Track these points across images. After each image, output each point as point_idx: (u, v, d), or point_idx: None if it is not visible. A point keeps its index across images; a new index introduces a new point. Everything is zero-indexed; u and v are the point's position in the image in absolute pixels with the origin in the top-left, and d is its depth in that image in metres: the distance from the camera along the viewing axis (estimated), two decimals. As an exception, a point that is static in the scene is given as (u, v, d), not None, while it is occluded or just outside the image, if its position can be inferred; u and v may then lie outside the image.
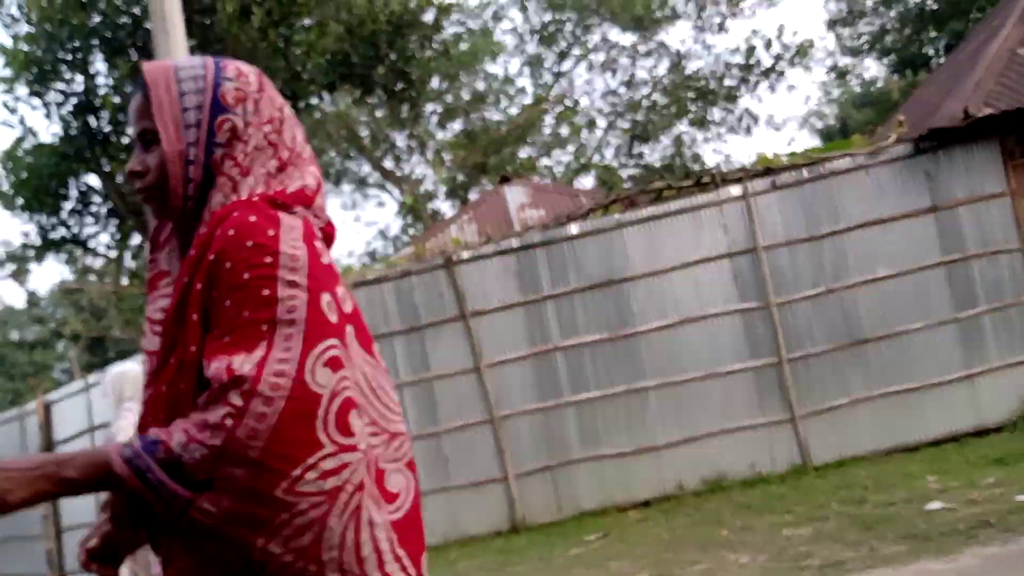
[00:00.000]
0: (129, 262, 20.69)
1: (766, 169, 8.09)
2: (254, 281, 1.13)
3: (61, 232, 18.29)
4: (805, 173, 7.88)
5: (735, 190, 7.91)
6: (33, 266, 24.95)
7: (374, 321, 7.96)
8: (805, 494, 6.47)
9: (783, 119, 44.82)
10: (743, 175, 8.15)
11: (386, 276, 8.12)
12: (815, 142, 26.56)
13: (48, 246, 18.48)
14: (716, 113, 23.74)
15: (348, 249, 29.23)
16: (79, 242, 18.83)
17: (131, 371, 5.74)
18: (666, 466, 7.65)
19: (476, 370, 7.88)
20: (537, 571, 5.78)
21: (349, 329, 1.24)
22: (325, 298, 1.19)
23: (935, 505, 5.20)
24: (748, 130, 24.00)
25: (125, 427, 4.92)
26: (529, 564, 6.09)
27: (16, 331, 34.16)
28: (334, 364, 1.15)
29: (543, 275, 8.02)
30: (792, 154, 8.37)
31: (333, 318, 1.20)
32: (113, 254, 20.05)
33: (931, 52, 20.77)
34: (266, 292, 1.13)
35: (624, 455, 7.73)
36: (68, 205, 17.97)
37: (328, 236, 1.35)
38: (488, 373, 7.89)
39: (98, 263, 25.63)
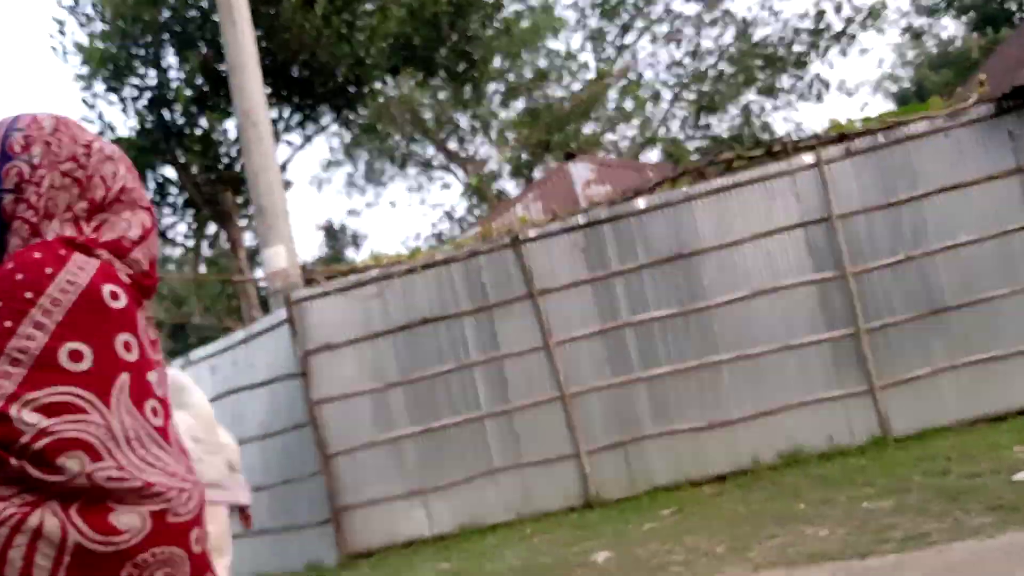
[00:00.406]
0: (206, 251, 21.34)
1: (839, 135, 7.83)
2: (3, 311, 1.16)
3: (142, 224, 18.99)
4: (881, 138, 7.61)
5: (807, 158, 7.69)
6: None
7: (442, 302, 8.06)
8: (886, 466, 6.31)
9: (855, 84, 43.29)
10: (815, 143, 7.92)
11: (454, 257, 8.18)
12: (889, 107, 25.58)
13: (130, 238, 19.20)
14: (785, 80, 23.13)
15: (415, 232, 29.51)
16: (159, 233, 19.55)
17: (175, 376, 5.98)
18: (741, 440, 7.56)
19: (545, 348, 7.90)
20: (612, 546, 5.79)
21: (121, 379, 1.25)
22: (72, 346, 1.20)
23: (1023, 476, 5.01)
24: (819, 97, 23.32)
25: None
26: (604, 539, 6.11)
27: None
28: (54, 410, 1.17)
29: (611, 251, 7.97)
30: (866, 119, 8.08)
31: (80, 368, 1.21)
32: (191, 243, 20.72)
33: (1013, 7, 19.75)
34: (8, 324, 1.16)
35: (698, 430, 7.66)
36: (147, 197, 18.65)
37: (145, 287, 1.35)
38: (558, 350, 7.90)
39: (177, 252, 26.53)
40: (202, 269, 22.44)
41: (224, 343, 9.22)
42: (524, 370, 7.93)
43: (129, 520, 1.23)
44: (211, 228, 19.88)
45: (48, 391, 1.18)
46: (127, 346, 1.27)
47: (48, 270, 1.20)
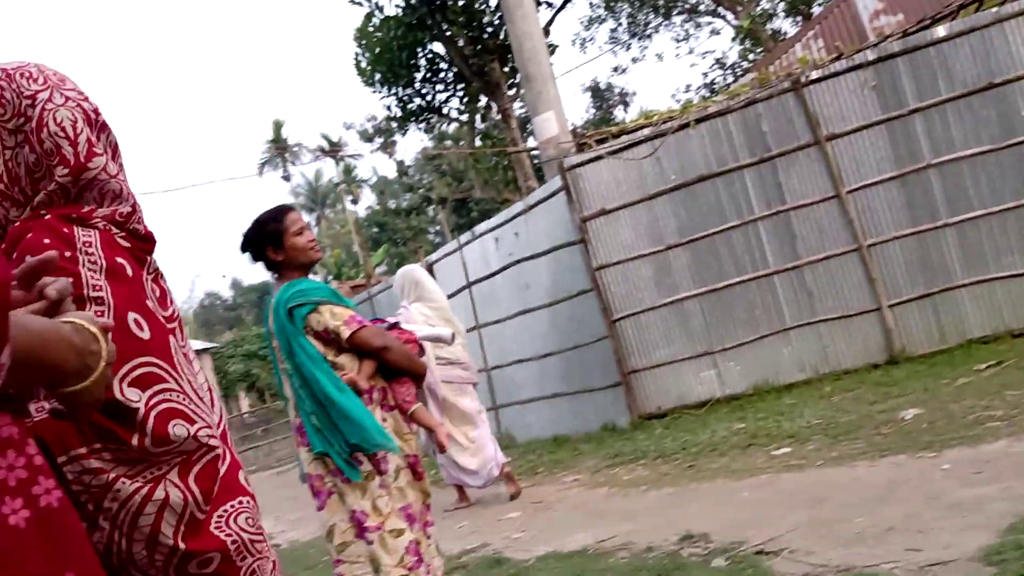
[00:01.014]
0: (479, 124, 22.18)
1: None
2: None
3: (417, 102, 20.11)
4: None
5: None
6: (398, 137, 27.81)
7: (720, 156, 7.68)
8: None
9: None
10: None
11: (729, 108, 7.70)
12: None
13: (408, 116, 20.47)
14: None
15: (685, 84, 28.29)
16: (434, 109, 20.56)
17: (407, 273, 6.46)
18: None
19: (837, 197, 7.31)
20: (920, 402, 5.38)
21: (172, 342, 1.23)
22: (133, 316, 1.18)
23: None
24: None
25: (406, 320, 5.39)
26: (912, 395, 5.70)
27: (392, 200, 38.84)
28: (145, 381, 1.17)
29: (907, 87, 7.14)
30: None
31: (145, 335, 1.19)
32: (464, 118, 21.63)
33: None
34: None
35: (1018, 276, 6.79)
36: (419, 75, 19.59)
37: (144, 247, 1.30)
38: (851, 199, 7.27)
39: (452, 128, 27.91)
40: (477, 143, 23.44)
41: (504, 215, 9.61)
42: (814, 222, 7.43)
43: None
44: (482, 101, 20.53)
45: (133, 363, 1.19)
46: (155, 310, 1.28)
47: (67, 253, 1.18)
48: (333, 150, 37.75)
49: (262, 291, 61.69)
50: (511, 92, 18.31)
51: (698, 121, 7.74)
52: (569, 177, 8.10)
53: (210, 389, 1.39)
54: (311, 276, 3.30)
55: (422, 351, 3.59)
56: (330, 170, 48.75)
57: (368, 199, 45.01)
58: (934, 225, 7.08)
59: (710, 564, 3.28)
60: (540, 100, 9.92)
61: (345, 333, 3.09)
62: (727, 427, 6.42)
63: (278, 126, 43.19)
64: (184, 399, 1.25)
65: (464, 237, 10.35)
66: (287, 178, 45.14)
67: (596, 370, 8.44)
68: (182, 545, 1.22)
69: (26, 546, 0.86)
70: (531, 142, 21.16)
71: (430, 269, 10.67)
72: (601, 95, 27.84)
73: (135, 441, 1.17)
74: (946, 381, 5.86)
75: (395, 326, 3.44)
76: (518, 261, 9.13)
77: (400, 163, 32.88)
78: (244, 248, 3.27)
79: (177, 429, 1.22)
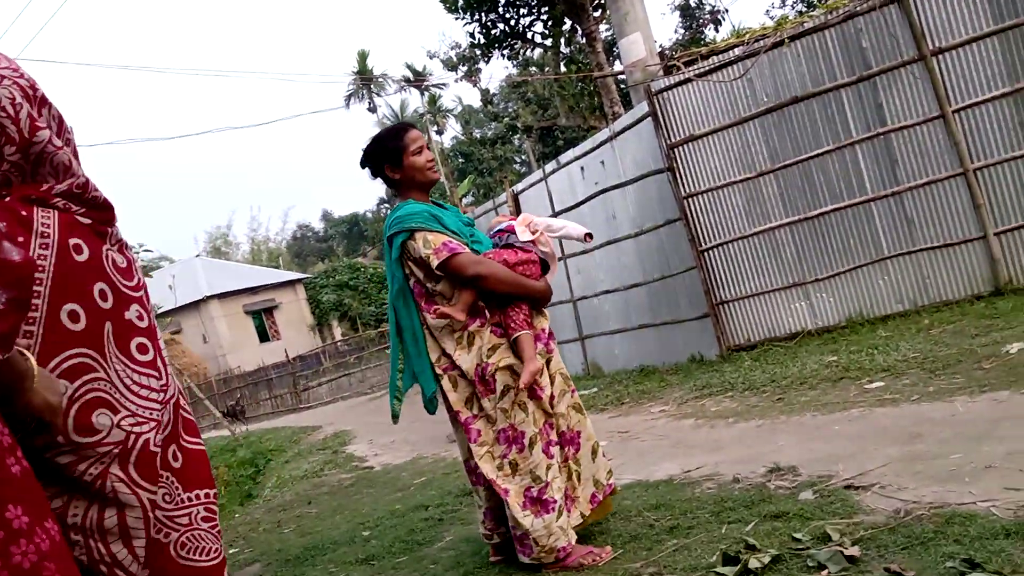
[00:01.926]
0: (564, 49, 21.69)
1: None
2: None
3: (500, 27, 19.80)
4: None
5: None
6: (482, 65, 27.51)
7: (816, 76, 7.33)
8: None
9: None
10: None
11: (826, 23, 7.30)
12: None
13: (491, 43, 20.21)
14: None
15: (779, -1, 26.82)
16: (518, 34, 20.22)
17: None
18: None
19: (942, 117, 6.90)
20: (1029, 336, 5.13)
21: (107, 329, 1.24)
22: (69, 307, 1.19)
23: None
24: None
25: None
26: (1018, 328, 5.44)
27: (477, 129, 38.68)
28: (74, 372, 1.20)
29: (1024, -10, 6.56)
30: None
31: (79, 327, 1.20)
32: (549, 43, 21.19)
33: None
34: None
35: None
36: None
37: (104, 218, 1.29)
38: (957, 119, 6.86)
39: (536, 54, 27.41)
40: (562, 68, 22.98)
41: (590, 143, 9.46)
42: (917, 144, 7.05)
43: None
44: (566, 24, 20.05)
45: (63, 356, 1.22)
46: (103, 295, 1.29)
47: (20, 238, 1.19)
48: (418, 80, 37.71)
49: (352, 223, 63.07)
50: (596, 14, 17.78)
51: (793, 39, 7.38)
52: (657, 102, 7.90)
53: (162, 357, 1.42)
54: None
55: (546, 267, 3.34)
56: (415, 100, 48.86)
57: (453, 129, 45.04)
58: (1050, 145, 6.63)
59: (797, 497, 3.26)
60: (626, 21, 9.62)
61: (434, 263, 3.01)
62: (818, 360, 6.29)
63: (363, 57, 43.31)
64: (111, 388, 1.28)
65: (549, 167, 10.27)
66: (373, 110, 45.46)
67: (684, 301, 8.36)
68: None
69: (23, 486, 1.05)
70: (617, 66, 20.61)
71: (516, 199, 10.67)
72: (691, 14, 26.75)
73: (60, 438, 1.22)
74: (1057, 313, 5.58)
75: (509, 245, 3.26)
76: (604, 190, 9.03)
77: (485, 92, 32.55)
78: (363, 164, 3.28)
79: (101, 418, 1.25)
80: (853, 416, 4.52)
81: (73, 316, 1.24)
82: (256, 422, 21.44)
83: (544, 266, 3.31)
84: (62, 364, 1.23)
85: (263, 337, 37.33)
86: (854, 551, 2.53)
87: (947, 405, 4.17)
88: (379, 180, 3.31)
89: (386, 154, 3.18)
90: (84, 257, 1.29)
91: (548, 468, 3.12)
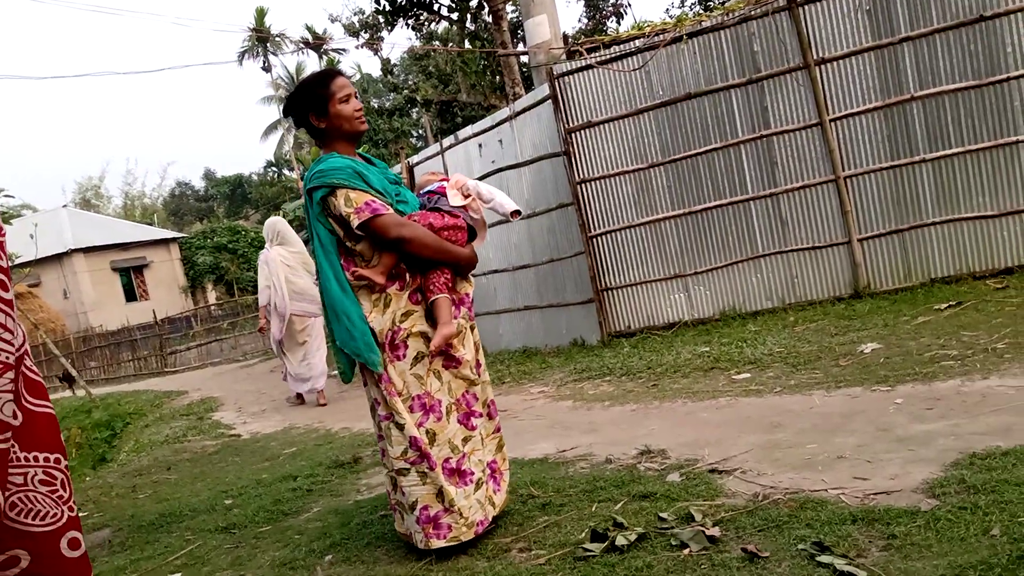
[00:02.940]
0: (470, 25, 21.50)
1: None
2: None
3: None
4: None
5: None
6: (385, 34, 26.94)
7: (709, 74, 7.55)
8: None
9: None
10: None
11: (722, 23, 7.52)
12: None
13: (396, 11, 19.78)
14: None
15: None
16: (424, 5, 19.87)
17: (272, 223, 8.47)
18: (1035, 231, 6.70)
19: (820, 124, 7.25)
20: (880, 337, 5.49)
21: None
22: None
23: None
24: None
25: (269, 261, 8.22)
26: (871, 330, 5.81)
27: (375, 99, 37.88)
28: None
29: (899, 13, 6.97)
30: None
31: None
32: (455, 16, 20.96)
33: None
34: None
35: (986, 218, 6.88)
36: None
37: None
38: (834, 128, 7.22)
39: (441, 27, 27.07)
40: (466, 45, 22.78)
41: (490, 120, 9.43)
42: (796, 149, 7.38)
43: None
44: (474, 1, 19.87)
45: None
46: None
47: None
48: (317, 42, 36.54)
49: (236, 184, 60.71)
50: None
51: (690, 36, 7.56)
52: (558, 85, 7.94)
53: (10, 311, 1.36)
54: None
55: (474, 234, 3.19)
56: (313, 64, 47.30)
57: (349, 96, 43.73)
58: (912, 160, 7.05)
59: (665, 478, 3.37)
60: (533, 3, 9.62)
61: (355, 223, 2.85)
62: (692, 350, 6.52)
63: (261, 13, 41.60)
64: None
65: (447, 141, 10.16)
66: (267, 69, 43.78)
67: (570, 285, 8.48)
68: None
69: None
70: (521, 47, 20.63)
71: (411, 171, 10.52)
72: (595, 4, 27.03)
73: None
74: (906, 318, 5.98)
75: (437, 209, 3.11)
76: (501, 169, 9.02)
77: (386, 61, 31.88)
78: (287, 112, 3.08)
79: None
80: (721, 404, 4.71)
81: None
82: (117, 384, 20.41)
83: (471, 233, 3.19)
84: None
85: (130, 296, 35.50)
86: (715, 531, 2.63)
87: (806, 398, 4.40)
88: (302, 129, 3.12)
89: (311, 101, 2.98)
90: None
91: (466, 440, 3.02)
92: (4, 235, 1.35)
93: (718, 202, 7.65)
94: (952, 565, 2.10)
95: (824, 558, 2.28)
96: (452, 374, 3.03)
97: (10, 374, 1.29)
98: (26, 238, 27.95)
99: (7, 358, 1.28)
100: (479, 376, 3.11)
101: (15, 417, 1.32)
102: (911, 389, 4.10)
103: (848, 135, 7.22)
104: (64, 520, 1.36)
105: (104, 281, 34.50)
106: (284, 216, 26.79)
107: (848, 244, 7.29)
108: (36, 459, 1.35)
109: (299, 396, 8.71)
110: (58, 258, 33.33)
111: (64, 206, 42.84)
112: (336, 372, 6.55)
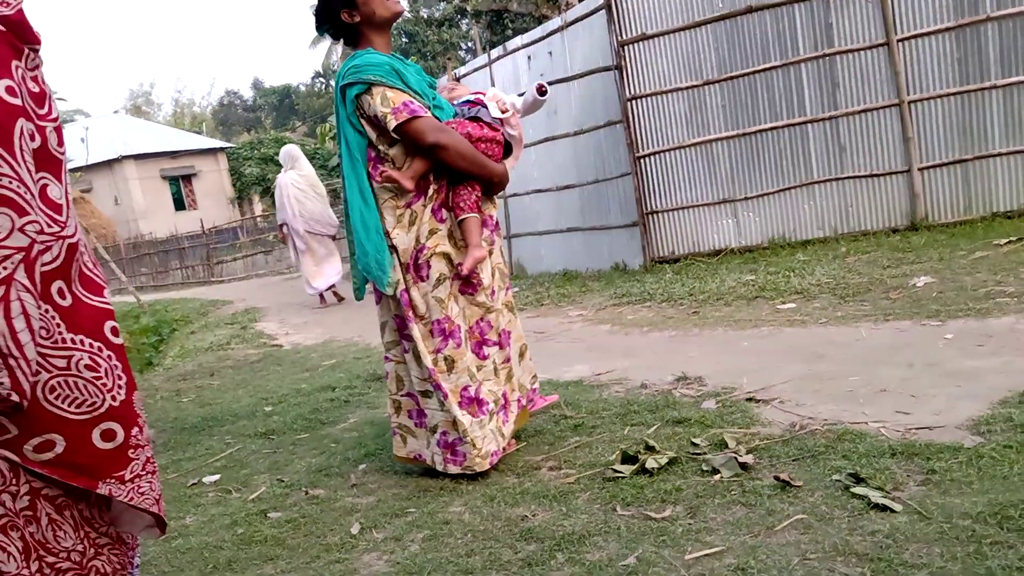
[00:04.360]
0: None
1: None
2: None
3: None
4: None
5: None
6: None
7: (771, -10, 7.17)
8: None
9: None
10: None
11: (789, -65, 7.08)
12: None
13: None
14: None
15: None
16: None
17: (287, 149, 9.93)
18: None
19: (887, 45, 6.87)
20: (934, 271, 5.30)
21: (19, 125, 1.17)
22: None
23: None
24: None
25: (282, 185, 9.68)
26: (926, 263, 5.61)
27: (424, 8, 37.06)
28: None
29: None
30: None
31: None
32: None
33: None
34: None
35: (1056, 151, 6.53)
36: None
37: (15, 30, 1.19)
38: (901, 48, 6.84)
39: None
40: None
41: (540, 31, 9.14)
42: (860, 70, 7.03)
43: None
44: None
45: None
46: (10, 91, 1.18)
47: None
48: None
49: (284, 94, 60.61)
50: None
51: (754, -51, 7.16)
52: (613, -7, 7.62)
53: (67, 199, 1.32)
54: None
55: (509, 151, 3.06)
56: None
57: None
58: (981, 86, 6.68)
59: (700, 405, 3.32)
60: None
61: (391, 123, 2.66)
62: (737, 278, 6.39)
63: (308, -84, 40.63)
64: (21, 188, 1.18)
65: (495, 52, 9.90)
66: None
67: (615, 207, 8.33)
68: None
69: None
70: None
71: (457, 82, 10.28)
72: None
73: None
74: (963, 252, 5.76)
75: (476, 119, 2.95)
76: (549, 83, 8.76)
77: (435, -30, 31.09)
78: (318, 20, 2.89)
79: (1, 219, 1.16)
80: (763, 334, 4.62)
81: None
82: (164, 291, 20.92)
83: (507, 149, 3.04)
84: None
85: (179, 205, 36.09)
86: (748, 459, 2.59)
87: (852, 330, 4.28)
88: (335, 42, 2.98)
89: None
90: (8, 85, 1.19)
91: (479, 368, 2.92)
92: (58, 120, 1.32)
93: (774, 124, 7.37)
94: (992, 503, 2.03)
95: (859, 489, 2.23)
96: (467, 300, 2.91)
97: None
98: (78, 143, 28.46)
99: (63, 229, 1.29)
100: (493, 303, 2.97)
101: (62, 297, 1.30)
102: (963, 325, 3.96)
103: (916, 57, 6.85)
104: (103, 409, 1.34)
105: (154, 189, 35.07)
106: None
107: (908, 173, 7.00)
108: (82, 343, 1.33)
109: (321, 297, 9.85)
110: (109, 165, 33.87)
111: (116, 112, 43.29)
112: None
